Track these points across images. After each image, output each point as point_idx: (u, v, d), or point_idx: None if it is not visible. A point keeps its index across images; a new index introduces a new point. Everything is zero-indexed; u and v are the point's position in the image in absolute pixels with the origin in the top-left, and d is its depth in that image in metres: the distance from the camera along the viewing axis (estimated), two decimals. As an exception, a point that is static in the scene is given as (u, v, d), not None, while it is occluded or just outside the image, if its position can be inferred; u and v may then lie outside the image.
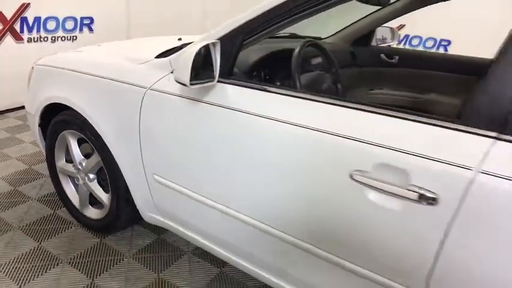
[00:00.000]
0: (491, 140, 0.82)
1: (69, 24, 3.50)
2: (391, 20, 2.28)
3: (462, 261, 0.86)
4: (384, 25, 2.37)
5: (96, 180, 1.82)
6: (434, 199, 0.87)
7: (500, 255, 0.82)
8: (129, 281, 1.62)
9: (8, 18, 3.12)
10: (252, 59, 1.57)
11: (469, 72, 1.99)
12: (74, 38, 3.57)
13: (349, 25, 2.43)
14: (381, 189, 0.94)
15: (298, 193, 1.11)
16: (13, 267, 1.64)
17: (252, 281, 1.64)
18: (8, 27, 3.14)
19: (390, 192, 0.92)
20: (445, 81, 2.12)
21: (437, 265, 0.89)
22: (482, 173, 0.81)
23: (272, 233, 1.21)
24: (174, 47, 1.61)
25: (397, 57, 2.30)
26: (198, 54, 1.14)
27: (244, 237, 1.32)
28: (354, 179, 0.97)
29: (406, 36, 4.68)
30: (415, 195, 0.89)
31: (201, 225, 1.47)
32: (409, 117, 0.93)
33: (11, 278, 1.58)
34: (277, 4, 1.15)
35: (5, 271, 1.61)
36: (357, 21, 2.39)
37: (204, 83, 1.20)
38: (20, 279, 1.58)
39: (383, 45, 2.44)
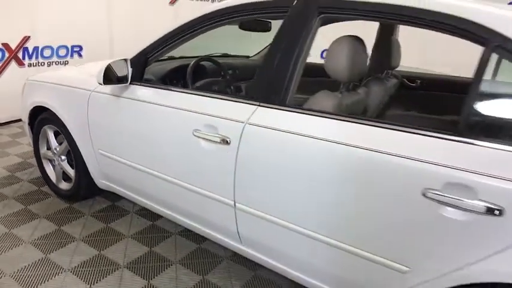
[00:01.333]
0: None
1: (62, 52, 4.31)
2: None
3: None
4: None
5: (66, 160, 2.53)
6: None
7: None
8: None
9: (13, 48, 3.93)
10: (164, 70, 2.31)
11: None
12: (66, 62, 4.37)
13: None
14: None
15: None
16: None
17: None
18: (13, 55, 3.95)
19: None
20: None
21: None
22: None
23: (184, 186, 1.84)
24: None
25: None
26: (108, 67, 1.87)
27: (163, 190, 1.97)
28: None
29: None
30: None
31: (132, 184, 2.16)
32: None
33: None
34: (164, 36, 1.88)
35: None
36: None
37: (118, 83, 1.93)
38: (8, 226, 2.28)
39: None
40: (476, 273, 1.11)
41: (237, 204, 1.62)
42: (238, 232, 1.70)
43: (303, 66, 1.53)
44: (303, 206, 1.45)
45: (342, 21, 1.79)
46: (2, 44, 3.85)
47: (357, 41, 1.62)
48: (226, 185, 1.62)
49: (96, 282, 1.88)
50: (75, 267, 1.97)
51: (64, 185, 2.61)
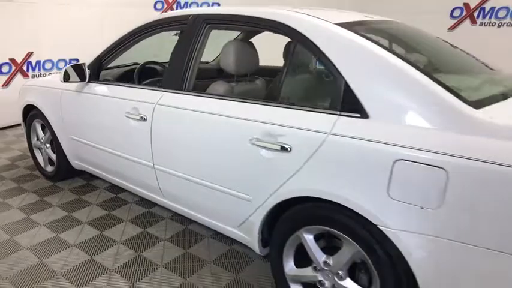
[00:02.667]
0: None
1: (61, 64, 5.03)
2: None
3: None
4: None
5: (50, 148, 3.17)
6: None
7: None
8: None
9: (19, 62, 4.67)
10: (121, 72, 2.93)
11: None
12: (65, 73, 5.09)
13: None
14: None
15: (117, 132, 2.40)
16: None
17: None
18: (19, 68, 4.69)
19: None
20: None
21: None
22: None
23: (124, 157, 2.45)
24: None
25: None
26: (66, 69, 2.50)
27: (111, 161, 2.57)
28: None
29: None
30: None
31: (93, 159, 2.76)
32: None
33: None
34: (111, 44, 2.50)
35: (-3, 195, 2.96)
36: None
37: (76, 82, 2.55)
38: (2, 197, 2.91)
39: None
40: (286, 191, 1.64)
41: (155, 165, 2.20)
42: (159, 187, 2.27)
43: (198, 61, 2.10)
44: (194, 161, 2.01)
45: (224, 29, 2.31)
46: (9, 59, 4.59)
47: (245, 44, 2.19)
48: (146, 151, 2.20)
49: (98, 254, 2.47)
50: (49, 223, 2.58)
51: (49, 168, 3.24)
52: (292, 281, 1.76)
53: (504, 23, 4.45)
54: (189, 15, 2.12)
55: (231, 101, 1.89)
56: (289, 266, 1.75)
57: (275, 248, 1.77)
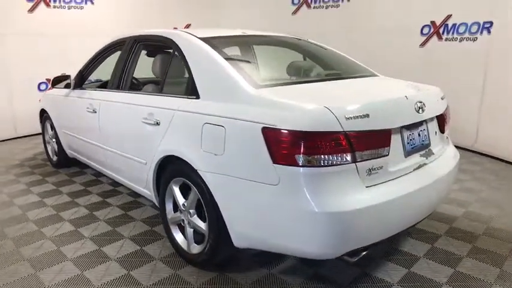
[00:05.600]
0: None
1: (87, 83, 6.16)
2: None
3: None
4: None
5: (55, 141, 4.12)
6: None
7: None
8: (57, 178, 3.84)
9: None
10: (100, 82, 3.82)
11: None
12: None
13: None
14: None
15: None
16: None
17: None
18: (54, 86, 5.87)
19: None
20: None
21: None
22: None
23: (88, 141, 3.31)
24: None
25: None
26: (54, 78, 3.44)
27: (85, 148, 3.43)
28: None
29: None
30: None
31: (76, 147, 3.63)
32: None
33: None
34: (88, 60, 3.40)
35: None
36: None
37: (64, 88, 3.47)
38: (16, 176, 3.88)
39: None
40: (158, 153, 2.32)
41: (102, 145, 2.99)
42: (105, 161, 3.05)
43: (133, 69, 2.88)
44: (118, 139, 2.78)
45: (144, 45, 3.00)
46: (46, 79, 5.78)
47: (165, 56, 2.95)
48: (97, 135, 3.01)
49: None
50: (41, 192, 3.46)
51: (55, 158, 4.20)
52: (171, 223, 2.40)
53: (464, 38, 4.78)
54: (128, 37, 2.94)
55: (136, 94, 2.66)
56: (168, 211, 2.40)
57: (161, 198, 2.43)
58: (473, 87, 4.68)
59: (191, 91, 2.17)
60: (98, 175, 3.89)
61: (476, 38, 4.64)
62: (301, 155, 1.61)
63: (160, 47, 2.83)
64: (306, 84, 2.22)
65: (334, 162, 1.63)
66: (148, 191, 2.61)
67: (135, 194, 3.33)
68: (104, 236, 2.66)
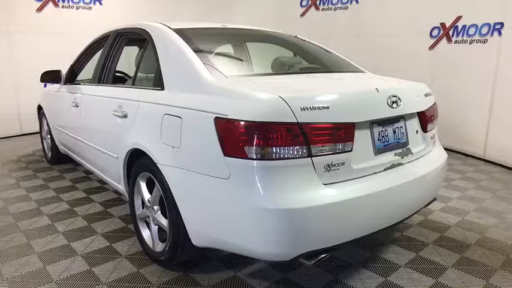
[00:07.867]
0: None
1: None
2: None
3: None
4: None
5: (50, 138, 4.14)
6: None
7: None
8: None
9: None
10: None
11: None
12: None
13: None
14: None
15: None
16: None
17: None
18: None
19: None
20: None
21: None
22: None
23: (73, 137, 3.30)
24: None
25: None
26: (44, 73, 3.44)
27: (78, 147, 3.42)
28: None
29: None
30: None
31: (69, 146, 3.63)
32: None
33: None
34: (77, 56, 3.40)
35: None
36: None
37: (54, 83, 3.47)
38: (9, 171, 3.90)
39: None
40: (126, 147, 2.25)
41: (84, 140, 2.96)
42: (85, 155, 3.01)
43: (116, 62, 2.84)
44: (95, 132, 2.73)
45: (127, 38, 2.95)
46: (53, 77, 5.87)
47: (140, 48, 2.89)
48: (80, 129, 2.98)
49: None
50: (30, 186, 3.46)
51: (50, 154, 4.21)
52: (139, 220, 2.32)
53: (474, 40, 4.53)
54: (112, 31, 2.91)
55: (110, 87, 2.63)
56: (137, 207, 2.32)
57: (130, 193, 2.36)
58: (483, 91, 4.43)
59: (157, 82, 2.10)
60: (88, 172, 3.87)
61: (487, 40, 4.40)
62: (252, 147, 1.50)
63: (139, 39, 2.78)
64: (276, 76, 2.10)
65: (287, 156, 1.51)
66: (122, 186, 2.55)
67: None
68: (77, 231, 2.61)
